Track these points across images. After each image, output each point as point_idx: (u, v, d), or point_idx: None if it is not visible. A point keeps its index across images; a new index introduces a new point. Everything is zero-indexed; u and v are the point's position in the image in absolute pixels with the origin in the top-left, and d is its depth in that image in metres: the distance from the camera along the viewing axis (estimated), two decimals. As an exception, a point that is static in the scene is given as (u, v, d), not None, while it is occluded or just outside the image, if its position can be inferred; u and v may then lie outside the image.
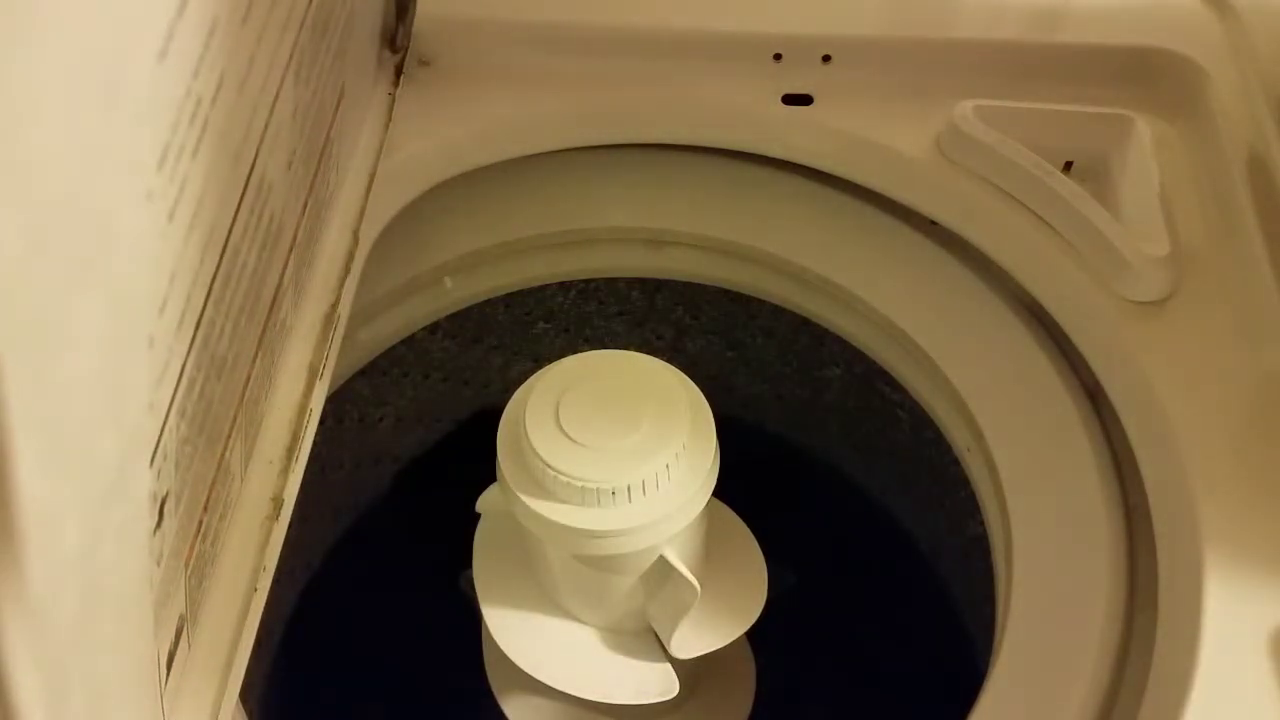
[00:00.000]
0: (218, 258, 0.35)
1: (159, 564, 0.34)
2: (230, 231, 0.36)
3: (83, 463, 0.27)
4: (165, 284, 0.30)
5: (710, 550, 0.53)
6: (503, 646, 0.53)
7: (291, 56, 0.40)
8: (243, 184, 0.36)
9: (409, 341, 0.65)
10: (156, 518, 0.32)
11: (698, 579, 0.49)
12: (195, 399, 0.35)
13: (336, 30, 0.47)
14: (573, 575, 0.51)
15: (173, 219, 0.31)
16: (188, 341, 0.33)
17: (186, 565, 0.37)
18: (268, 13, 0.37)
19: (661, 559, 0.49)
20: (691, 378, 0.50)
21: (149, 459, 0.31)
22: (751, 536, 0.56)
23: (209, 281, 0.34)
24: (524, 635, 0.54)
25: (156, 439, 0.31)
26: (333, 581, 0.68)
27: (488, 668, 0.57)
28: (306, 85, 0.43)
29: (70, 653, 0.29)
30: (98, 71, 0.25)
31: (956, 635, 0.63)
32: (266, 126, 0.38)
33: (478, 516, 0.55)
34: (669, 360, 0.50)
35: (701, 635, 0.53)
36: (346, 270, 0.52)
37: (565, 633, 0.54)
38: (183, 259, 0.31)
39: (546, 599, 0.54)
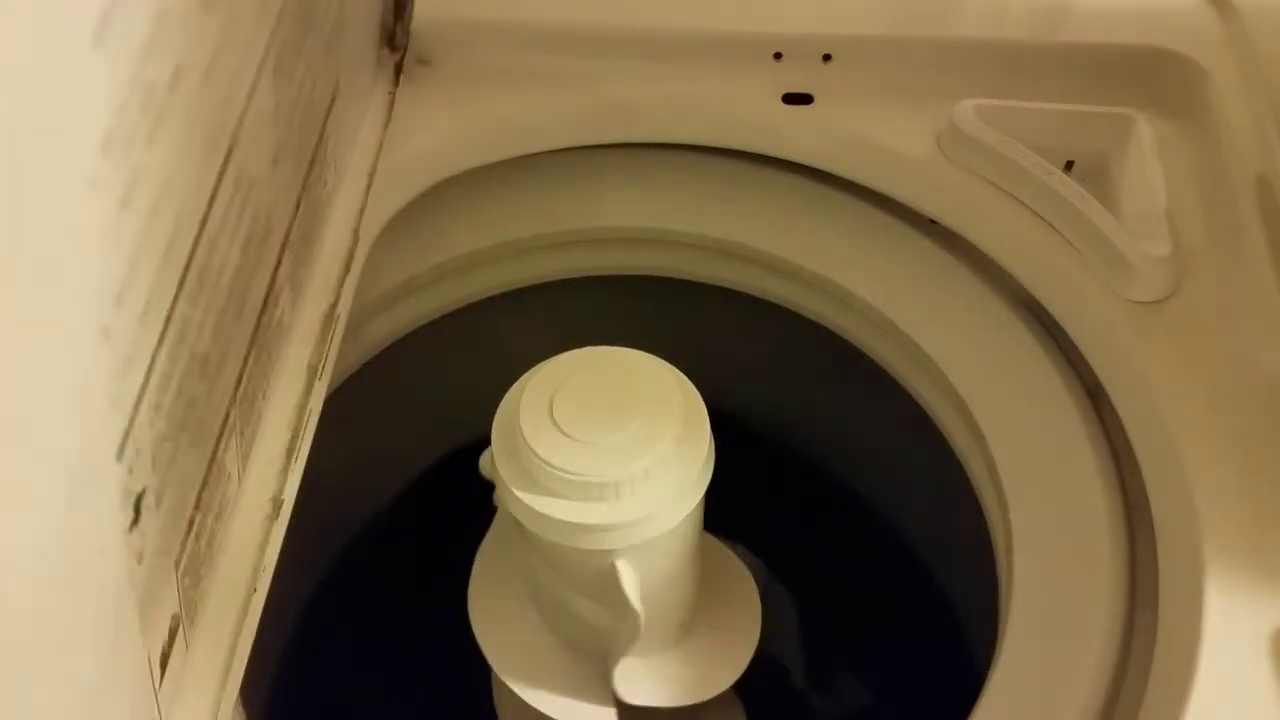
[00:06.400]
0: (189, 251, 0.34)
1: (140, 562, 0.33)
2: (204, 225, 0.35)
3: (37, 453, 0.27)
4: (122, 274, 0.30)
5: (705, 600, 0.52)
6: (501, 673, 0.52)
7: (269, 49, 0.40)
8: (215, 177, 0.36)
9: (410, 340, 0.64)
10: (132, 514, 0.32)
11: (680, 618, 0.48)
12: (172, 395, 0.34)
13: (325, 25, 0.47)
14: (560, 589, 0.51)
15: (126, 207, 0.30)
16: (156, 335, 0.33)
17: (177, 565, 0.37)
18: (235, 1, 0.36)
19: (612, 568, 0.47)
20: (691, 378, 0.49)
21: (115, 453, 0.31)
22: (755, 595, 0.54)
23: (179, 274, 0.34)
24: (521, 659, 0.53)
25: (124, 433, 0.31)
26: (333, 582, 0.68)
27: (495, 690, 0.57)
28: (290, 80, 0.43)
29: (41, 650, 0.29)
30: (20, 53, 0.24)
31: (956, 636, 0.62)
32: (242, 119, 0.38)
33: (479, 518, 0.55)
34: (669, 360, 0.50)
35: (657, 685, 0.51)
36: (346, 269, 0.52)
37: (562, 656, 0.53)
38: (143, 250, 0.31)
39: (543, 620, 0.53)
